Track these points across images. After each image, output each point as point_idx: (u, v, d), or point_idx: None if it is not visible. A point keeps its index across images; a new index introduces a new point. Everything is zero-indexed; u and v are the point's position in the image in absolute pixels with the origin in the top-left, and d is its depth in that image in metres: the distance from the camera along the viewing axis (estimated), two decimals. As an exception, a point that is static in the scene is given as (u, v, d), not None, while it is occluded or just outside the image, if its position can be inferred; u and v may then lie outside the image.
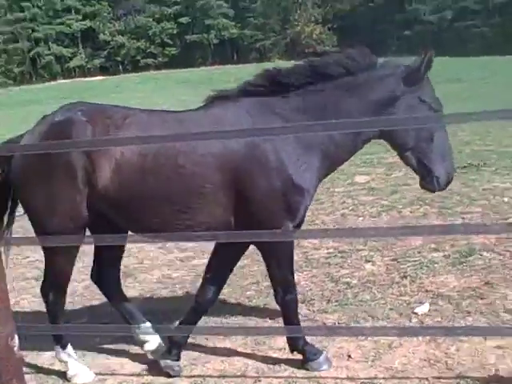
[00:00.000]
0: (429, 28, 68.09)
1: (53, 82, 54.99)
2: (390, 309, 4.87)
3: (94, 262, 4.57)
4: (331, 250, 6.36)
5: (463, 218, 7.01)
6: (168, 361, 4.24)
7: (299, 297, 4.46)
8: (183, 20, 66.02)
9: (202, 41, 66.82)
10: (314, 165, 3.96)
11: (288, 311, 4.19)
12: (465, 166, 9.35)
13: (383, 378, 3.94)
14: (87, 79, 53.41)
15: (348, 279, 5.59)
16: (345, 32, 68.48)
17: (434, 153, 3.94)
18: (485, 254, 5.82)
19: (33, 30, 69.03)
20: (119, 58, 65.67)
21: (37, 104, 32.22)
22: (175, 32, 66.66)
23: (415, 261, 5.84)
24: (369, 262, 5.98)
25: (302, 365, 4.18)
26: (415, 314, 4.74)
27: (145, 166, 3.82)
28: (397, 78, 3.93)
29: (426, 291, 5.16)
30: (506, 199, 7.62)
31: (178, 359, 4.27)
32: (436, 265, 5.69)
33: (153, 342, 4.46)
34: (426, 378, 3.90)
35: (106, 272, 4.52)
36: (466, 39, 63.39)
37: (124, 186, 3.84)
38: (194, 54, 67.53)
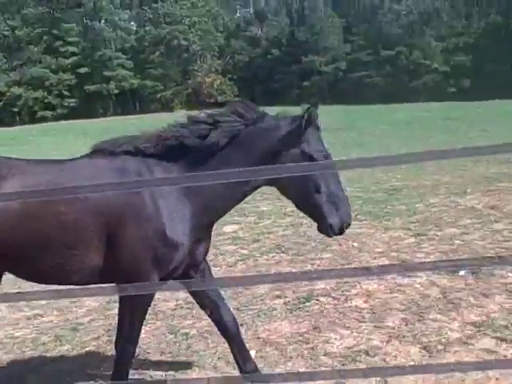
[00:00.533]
0: (325, 78, 71.28)
1: None
2: (219, 358, 4.99)
3: None
4: (180, 302, 6.43)
5: (312, 265, 7.33)
6: None
7: (136, 350, 4.49)
8: (82, 70, 65.45)
9: (102, 91, 66.37)
10: (189, 216, 3.95)
11: (121, 360, 4.21)
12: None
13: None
14: (-20, 130, 51.47)
15: (187, 330, 5.68)
16: (245, 82, 70.47)
17: (325, 202, 3.88)
18: (321, 298, 6.10)
19: None
20: (16, 109, 63.91)
21: None
22: (74, 83, 65.85)
23: (255, 309, 6.02)
24: (212, 312, 6.08)
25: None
26: (241, 361, 4.87)
27: (25, 212, 3.77)
28: (281, 130, 3.94)
29: (258, 338, 5.33)
30: (355, 244, 8.05)
31: None
32: (274, 311, 5.90)
33: None
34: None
35: None
36: (359, 89, 66.86)
37: (3, 231, 3.77)
38: (94, 105, 66.90)
